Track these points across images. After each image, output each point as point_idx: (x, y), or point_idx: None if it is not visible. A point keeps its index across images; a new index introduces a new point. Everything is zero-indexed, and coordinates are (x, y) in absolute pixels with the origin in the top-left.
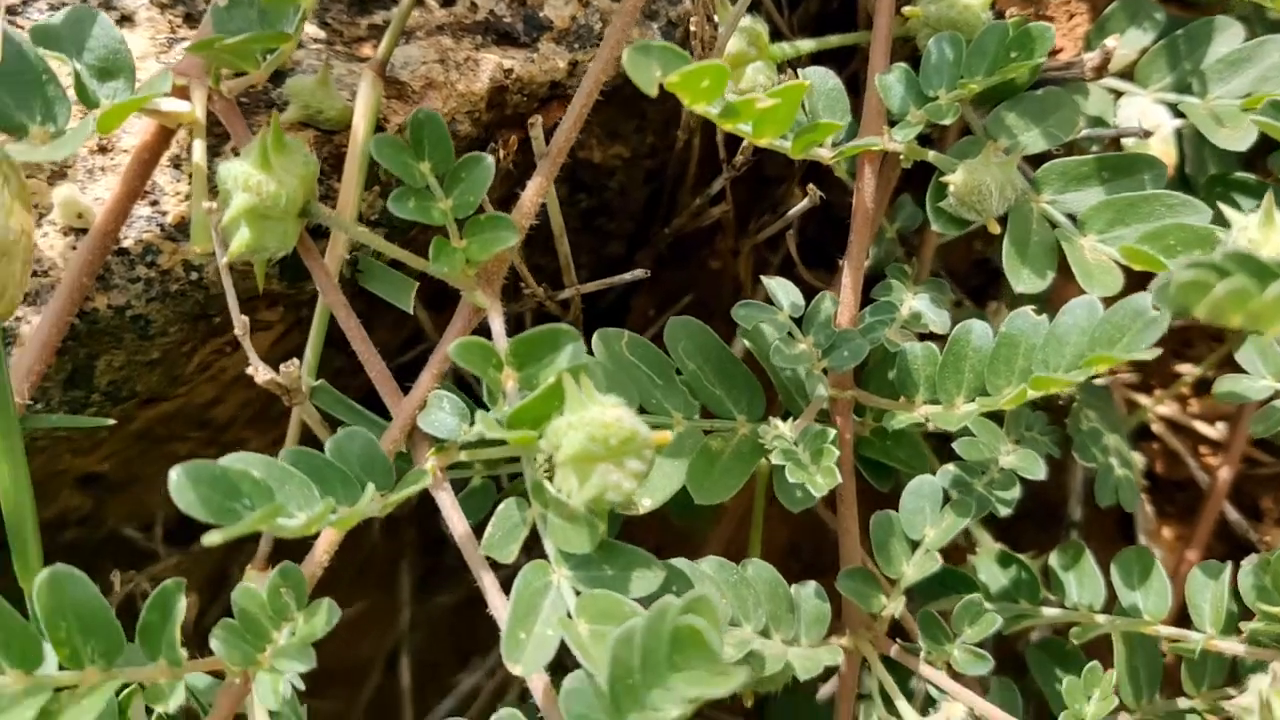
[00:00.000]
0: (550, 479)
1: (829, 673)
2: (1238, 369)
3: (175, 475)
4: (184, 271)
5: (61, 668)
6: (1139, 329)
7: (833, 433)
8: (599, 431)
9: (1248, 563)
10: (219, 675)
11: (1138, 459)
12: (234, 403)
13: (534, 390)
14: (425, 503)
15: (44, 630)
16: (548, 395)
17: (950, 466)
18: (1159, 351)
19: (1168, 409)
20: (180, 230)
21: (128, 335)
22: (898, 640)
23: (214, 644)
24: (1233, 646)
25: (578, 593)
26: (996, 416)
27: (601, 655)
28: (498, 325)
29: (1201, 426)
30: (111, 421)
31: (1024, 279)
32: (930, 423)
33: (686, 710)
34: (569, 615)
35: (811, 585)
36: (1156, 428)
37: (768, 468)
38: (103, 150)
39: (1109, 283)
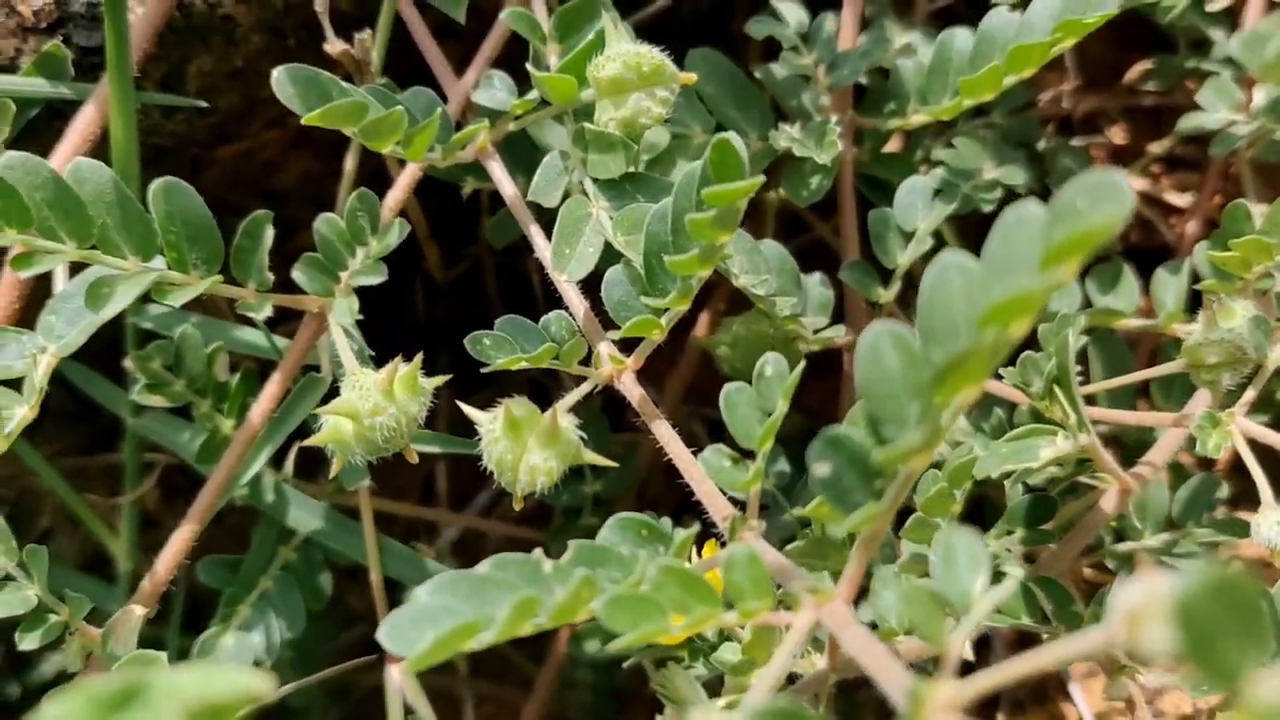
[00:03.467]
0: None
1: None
2: (1202, 143)
3: (278, 74)
4: None
5: (169, 268)
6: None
7: (834, 120)
8: (632, 60)
9: (1200, 245)
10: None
11: None
12: (294, 172)
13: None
14: None
15: (157, 231)
16: (591, 45)
17: (938, 170)
18: (1117, 10)
19: (1140, 184)
20: None
21: (216, 38)
22: None
23: (297, 277)
24: (1191, 326)
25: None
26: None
27: (637, 242)
28: (541, 12)
29: (1171, 197)
30: (204, 104)
31: None
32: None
33: (717, 241)
34: (609, 231)
35: (817, 275)
36: None
37: (776, 200)
38: None
39: None
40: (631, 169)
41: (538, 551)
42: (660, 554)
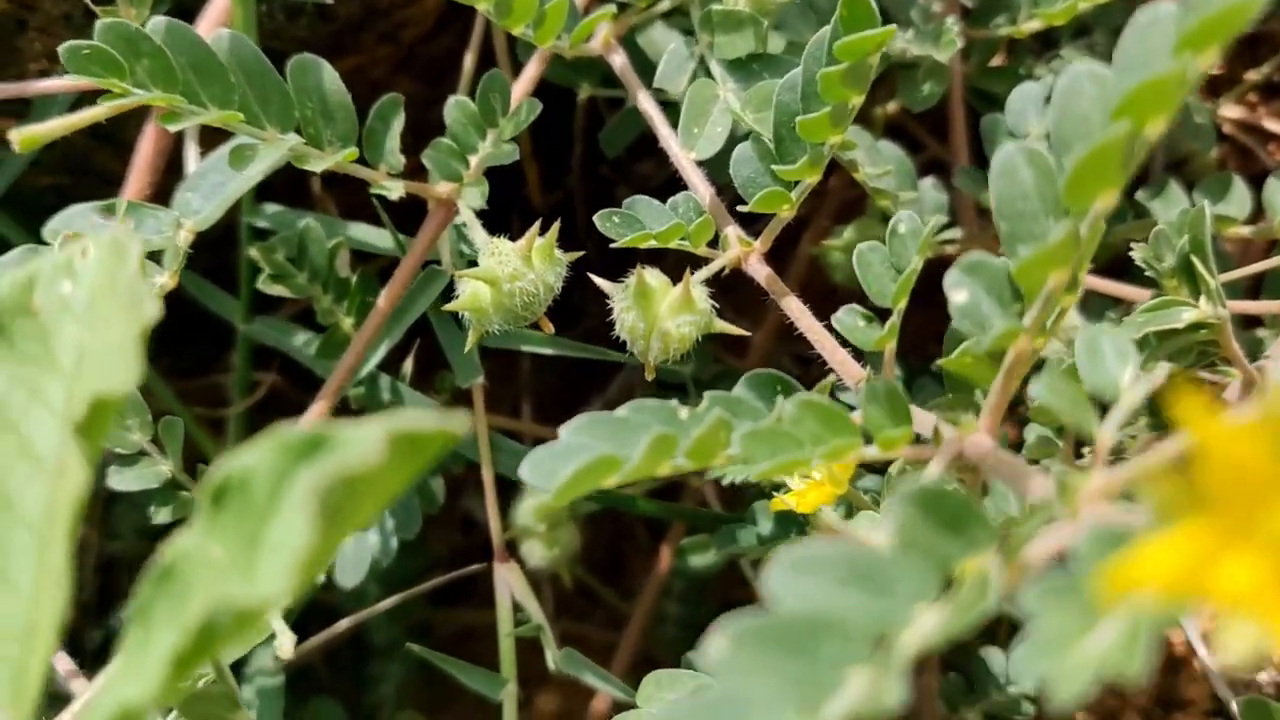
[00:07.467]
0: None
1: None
2: None
3: None
4: None
5: (305, 144)
6: None
7: (950, 20)
8: None
9: None
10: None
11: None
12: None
13: None
14: None
15: (295, 104)
16: None
17: (1048, 79)
18: None
19: (1236, 112)
20: None
21: None
22: None
23: (426, 162)
24: None
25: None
26: None
27: (767, 119)
28: None
29: (1269, 124)
30: (330, 1)
31: None
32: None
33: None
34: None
35: (930, 179)
36: (1227, 129)
37: (883, 115)
38: None
39: None
40: (759, 49)
41: (674, 401)
42: None
